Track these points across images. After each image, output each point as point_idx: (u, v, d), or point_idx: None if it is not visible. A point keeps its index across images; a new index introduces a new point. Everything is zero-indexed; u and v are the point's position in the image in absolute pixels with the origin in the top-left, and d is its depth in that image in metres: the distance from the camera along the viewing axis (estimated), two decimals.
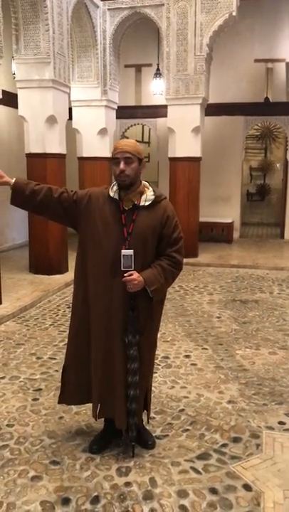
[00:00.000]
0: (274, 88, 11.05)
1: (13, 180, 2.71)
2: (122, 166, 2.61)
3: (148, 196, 2.71)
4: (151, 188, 2.76)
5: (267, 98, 11.04)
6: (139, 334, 2.72)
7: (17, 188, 2.72)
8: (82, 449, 2.98)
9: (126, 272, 2.61)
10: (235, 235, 11.44)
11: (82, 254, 2.78)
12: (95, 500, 2.53)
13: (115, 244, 2.65)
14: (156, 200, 2.73)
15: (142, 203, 2.70)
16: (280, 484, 2.63)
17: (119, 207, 2.69)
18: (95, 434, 3.10)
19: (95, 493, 2.57)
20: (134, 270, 2.62)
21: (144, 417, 3.08)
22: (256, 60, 10.81)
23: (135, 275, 2.60)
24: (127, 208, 2.69)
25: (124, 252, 2.62)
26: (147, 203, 2.69)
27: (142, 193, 2.71)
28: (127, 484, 2.65)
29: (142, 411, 2.97)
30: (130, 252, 2.62)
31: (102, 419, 3.01)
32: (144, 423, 3.09)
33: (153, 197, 2.71)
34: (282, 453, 2.93)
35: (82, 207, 2.73)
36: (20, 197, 2.73)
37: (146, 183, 2.79)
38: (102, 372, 2.78)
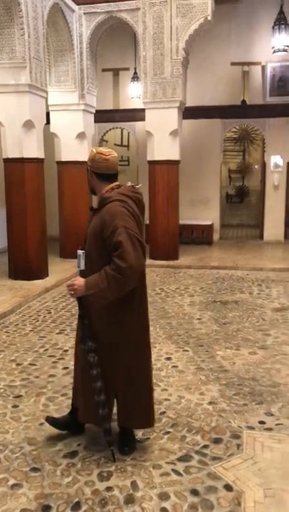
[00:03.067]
0: (250, 91, 11.17)
1: None
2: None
3: (99, 201, 2.83)
4: (106, 194, 2.80)
5: (244, 101, 11.16)
6: (94, 341, 2.78)
7: None
8: (63, 454, 2.96)
9: (81, 272, 2.80)
10: (215, 236, 11.52)
11: None
12: (76, 506, 2.51)
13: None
14: (102, 203, 2.76)
15: (95, 206, 2.86)
16: (260, 483, 2.65)
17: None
18: (75, 439, 3.10)
19: (76, 499, 2.56)
20: (84, 269, 2.77)
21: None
22: (232, 63, 10.92)
23: (77, 280, 2.70)
24: (91, 211, 2.91)
25: (78, 251, 2.81)
26: (96, 206, 2.83)
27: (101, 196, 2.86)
28: (109, 489, 2.64)
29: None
30: (81, 252, 2.78)
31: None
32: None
33: (99, 200, 2.82)
34: (262, 452, 2.95)
35: None
36: None
37: (126, 185, 2.88)
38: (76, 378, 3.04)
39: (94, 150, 2.85)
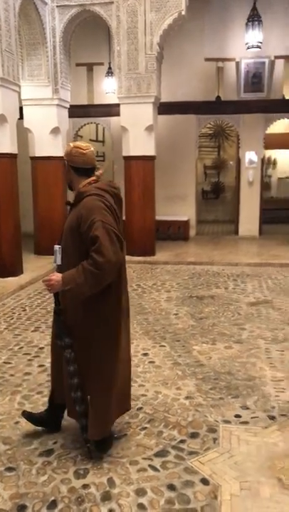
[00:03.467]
0: (225, 87, 11.23)
1: None
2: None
3: (76, 195, 2.81)
4: (82, 189, 2.78)
5: (218, 97, 11.22)
6: (69, 337, 2.76)
7: None
8: (39, 453, 2.92)
9: (58, 267, 2.77)
10: (192, 232, 11.56)
11: None
12: (52, 505, 2.48)
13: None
14: (79, 198, 2.75)
15: (71, 201, 2.83)
16: (236, 476, 2.66)
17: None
18: (50, 437, 3.06)
19: (52, 498, 2.53)
20: (61, 265, 2.74)
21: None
22: (207, 59, 10.94)
23: (54, 276, 2.66)
24: (67, 206, 2.91)
25: (55, 246, 2.76)
26: (72, 201, 2.82)
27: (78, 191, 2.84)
28: (85, 486, 2.61)
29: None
30: (57, 247, 2.74)
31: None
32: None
33: (75, 194, 2.80)
34: (238, 445, 2.97)
35: None
36: None
37: (92, 180, 2.83)
38: (55, 373, 3.03)
39: (71, 144, 2.84)
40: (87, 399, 2.82)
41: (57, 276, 2.64)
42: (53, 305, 2.89)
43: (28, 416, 3.13)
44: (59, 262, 2.74)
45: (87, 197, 2.69)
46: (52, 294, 2.84)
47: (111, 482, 2.64)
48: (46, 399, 3.19)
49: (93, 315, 2.74)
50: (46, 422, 3.12)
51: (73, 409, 2.84)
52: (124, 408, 3.04)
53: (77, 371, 2.76)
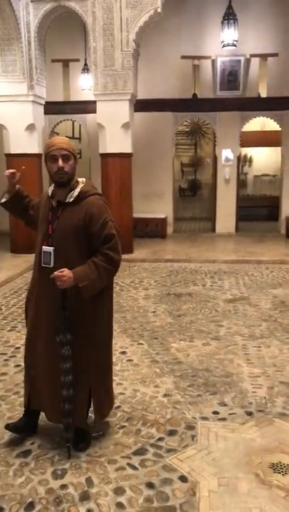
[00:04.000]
0: (201, 85, 11.27)
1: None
2: (60, 163, 2.64)
3: (74, 193, 2.72)
4: (81, 185, 2.75)
5: (195, 94, 11.24)
6: (71, 333, 2.69)
7: (20, 192, 2.97)
8: (16, 454, 2.88)
9: (47, 268, 2.67)
10: (169, 230, 11.59)
11: None
12: (30, 506, 2.45)
13: (42, 241, 2.74)
14: (81, 197, 2.71)
15: (66, 200, 2.72)
16: (214, 473, 2.68)
17: (51, 204, 2.77)
18: (27, 437, 3.03)
19: (30, 499, 2.50)
20: (53, 267, 2.65)
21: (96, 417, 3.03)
22: (183, 57, 10.97)
23: (65, 272, 2.58)
24: (54, 205, 2.74)
25: (44, 248, 2.70)
26: (71, 200, 2.71)
27: (71, 190, 2.73)
28: (63, 487, 2.59)
29: (83, 411, 2.90)
30: (50, 249, 2.67)
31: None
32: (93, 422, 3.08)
33: (76, 194, 2.71)
34: (216, 442, 2.99)
35: (36, 209, 2.96)
36: (17, 201, 2.97)
37: (84, 179, 2.82)
38: (36, 371, 2.88)
39: (66, 138, 2.85)
40: (77, 398, 2.78)
41: (68, 272, 2.58)
42: (57, 301, 2.70)
43: (13, 428, 2.99)
44: (52, 264, 2.67)
45: (90, 196, 2.71)
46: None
47: (89, 482, 2.63)
48: (23, 399, 3.14)
49: (96, 310, 2.78)
50: (26, 428, 3.05)
51: (58, 410, 2.78)
52: None
53: (72, 368, 2.72)
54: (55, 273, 2.57)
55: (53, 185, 2.82)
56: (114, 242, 2.70)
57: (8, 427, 3.01)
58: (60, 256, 2.67)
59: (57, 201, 2.75)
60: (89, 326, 2.78)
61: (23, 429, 3.04)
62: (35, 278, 2.86)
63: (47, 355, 2.81)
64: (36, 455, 2.87)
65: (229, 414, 3.33)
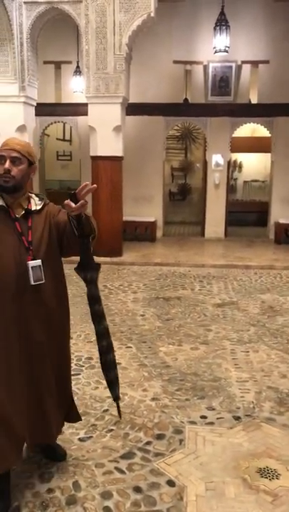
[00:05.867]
0: (193, 90, 11.32)
1: None
2: (7, 164, 2.34)
3: (36, 201, 2.50)
4: (34, 194, 2.56)
5: (186, 99, 11.30)
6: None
7: None
8: None
9: (37, 286, 2.37)
10: (159, 233, 11.60)
11: None
12: (16, 510, 2.44)
13: (16, 256, 2.35)
14: (45, 203, 2.53)
15: (33, 208, 2.46)
16: (202, 477, 2.68)
17: (10, 214, 2.40)
18: None
19: (16, 503, 2.48)
20: (44, 282, 2.39)
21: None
22: (175, 62, 11.01)
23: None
24: (19, 216, 2.41)
25: (31, 263, 2.35)
26: (39, 207, 2.48)
27: (29, 198, 2.49)
28: (50, 491, 2.58)
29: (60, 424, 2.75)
30: (38, 262, 2.37)
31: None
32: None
33: (41, 201, 2.50)
34: (204, 446, 2.99)
35: None
36: None
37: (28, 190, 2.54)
38: (12, 405, 2.39)
39: (27, 142, 2.56)
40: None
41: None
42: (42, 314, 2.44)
43: None
44: (43, 278, 2.39)
45: (49, 203, 2.56)
46: None
47: (76, 486, 2.61)
48: None
49: (65, 306, 2.63)
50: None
51: (49, 422, 2.57)
52: None
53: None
54: (82, 201, 2.21)
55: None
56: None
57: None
58: (45, 268, 2.40)
59: (25, 210, 2.44)
60: (64, 342, 2.67)
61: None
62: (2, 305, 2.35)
63: (23, 376, 2.43)
64: (23, 458, 2.85)
65: (217, 418, 3.34)
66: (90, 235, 2.38)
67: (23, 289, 2.35)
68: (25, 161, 2.40)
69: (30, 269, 2.34)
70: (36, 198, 2.51)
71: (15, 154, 2.37)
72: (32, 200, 2.49)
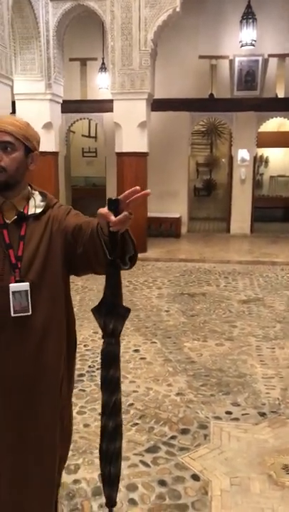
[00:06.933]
0: (218, 84, 11.24)
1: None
2: None
3: (37, 201, 1.77)
4: (37, 192, 1.81)
5: (212, 94, 11.22)
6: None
7: None
8: None
9: (19, 319, 1.63)
10: (183, 229, 11.58)
11: None
12: None
13: None
14: (49, 206, 1.79)
15: (31, 212, 1.74)
16: (226, 472, 2.68)
17: (2, 220, 1.71)
18: None
19: None
20: (31, 313, 1.65)
21: None
22: (201, 57, 10.95)
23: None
24: (9, 221, 1.70)
25: (14, 286, 1.63)
26: (38, 210, 1.75)
27: (28, 198, 1.77)
28: (76, 482, 2.62)
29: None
30: (24, 286, 1.64)
31: None
32: None
33: (43, 203, 1.77)
34: (229, 442, 2.99)
35: None
36: None
37: (32, 185, 1.83)
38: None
39: (23, 121, 1.79)
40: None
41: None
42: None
43: None
44: (30, 310, 1.64)
45: (55, 205, 1.81)
46: None
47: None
48: None
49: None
50: None
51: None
52: None
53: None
54: (125, 213, 1.53)
55: None
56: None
57: None
58: (37, 293, 1.67)
59: (17, 214, 1.71)
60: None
61: None
62: None
63: (15, 456, 1.69)
64: None
65: (242, 414, 3.33)
66: (124, 260, 1.73)
67: (1, 322, 1.64)
68: (21, 147, 1.70)
69: (10, 294, 1.63)
70: (38, 198, 1.79)
71: (7, 138, 1.67)
72: (31, 201, 1.77)
